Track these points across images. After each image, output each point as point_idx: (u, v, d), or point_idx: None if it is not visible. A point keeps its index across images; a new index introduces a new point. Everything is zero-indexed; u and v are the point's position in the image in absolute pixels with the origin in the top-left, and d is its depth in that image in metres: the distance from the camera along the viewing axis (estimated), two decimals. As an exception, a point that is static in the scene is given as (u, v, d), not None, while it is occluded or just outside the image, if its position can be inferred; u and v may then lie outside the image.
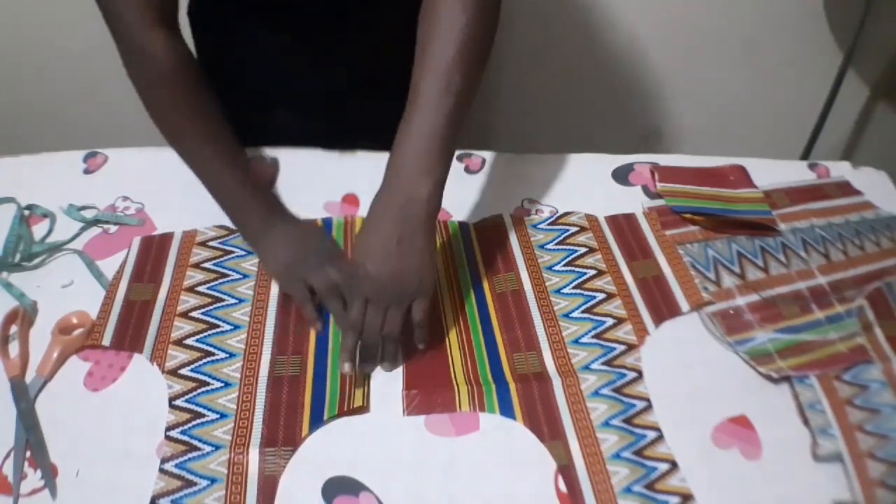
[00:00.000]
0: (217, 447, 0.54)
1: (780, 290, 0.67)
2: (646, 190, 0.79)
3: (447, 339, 0.63)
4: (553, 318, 0.64)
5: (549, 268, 0.69)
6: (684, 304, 0.66)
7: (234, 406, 0.57)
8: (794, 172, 0.82)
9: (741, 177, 0.80)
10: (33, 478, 0.52)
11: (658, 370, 0.60)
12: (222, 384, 0.59)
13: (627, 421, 0.56)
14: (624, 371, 0.60)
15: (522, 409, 0.57)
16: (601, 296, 0.66)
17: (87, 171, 0.79)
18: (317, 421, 0.56)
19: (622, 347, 0.62)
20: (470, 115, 0.60)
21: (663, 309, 0.65)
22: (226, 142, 0.68)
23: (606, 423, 0.56)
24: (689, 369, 0.60)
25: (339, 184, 0.77)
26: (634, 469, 0.53)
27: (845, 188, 0.80)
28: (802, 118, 1.45)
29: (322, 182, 0.73)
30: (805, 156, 1.48)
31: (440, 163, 0.57)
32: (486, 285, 0.68)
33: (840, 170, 0.83)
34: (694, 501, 0.51)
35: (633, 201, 0.77)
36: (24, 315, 0.62)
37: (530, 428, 0.56)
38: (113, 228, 0.73)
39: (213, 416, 0.56)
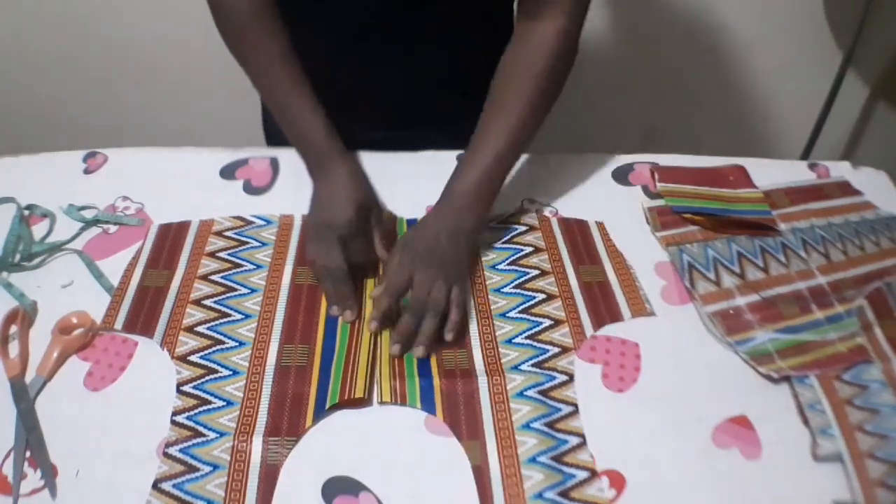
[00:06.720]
0: (221, 434, 0.54)
1: (780, 290, 0.67)
2: (646, 190, 0.79)
3: (380, 335, 0.63)
4: (489, 318, 0.64)
5: (493, 266, 0.69)
6: (626, 312, 0.65)
7: (241, 394, 0.57)
8: (794, 172, 0.82)
9: (741, 177, 0.80)
10: (33, 478, 0.52)
11: (652, 369, 0.60)
12: (230, 372, 0.59)
13: (549, 425, 0.55)
14: (554, 374, 0.59)
15: (443, 404, 0.57)
16: (541, 296, 0.66)
17: (87, 171, 0.79)
18: (321, 412, 0.56)
19: (556, 350, 0.61)
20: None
21: (604, 314, 0.65)
22: (307, 87, 0.70)
23: (527, 426, 0.55)
24: (689, 369, 0.60)
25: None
26: (550, 475, 0.52)
27: (845, 188, 0.80)
28: (802, 118, 1.45)
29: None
30: (805, 156, 1.48)
31: (488, 198, 0.67)
32: None
33: (840, 170, 0.83)
34: None
35: (633, 201, 0.77)
36: (24, 315, 0.62)
37: (449, 425, 0.55)
38: (113, 228, 0.73)
39: (220, 403, 0.57)
